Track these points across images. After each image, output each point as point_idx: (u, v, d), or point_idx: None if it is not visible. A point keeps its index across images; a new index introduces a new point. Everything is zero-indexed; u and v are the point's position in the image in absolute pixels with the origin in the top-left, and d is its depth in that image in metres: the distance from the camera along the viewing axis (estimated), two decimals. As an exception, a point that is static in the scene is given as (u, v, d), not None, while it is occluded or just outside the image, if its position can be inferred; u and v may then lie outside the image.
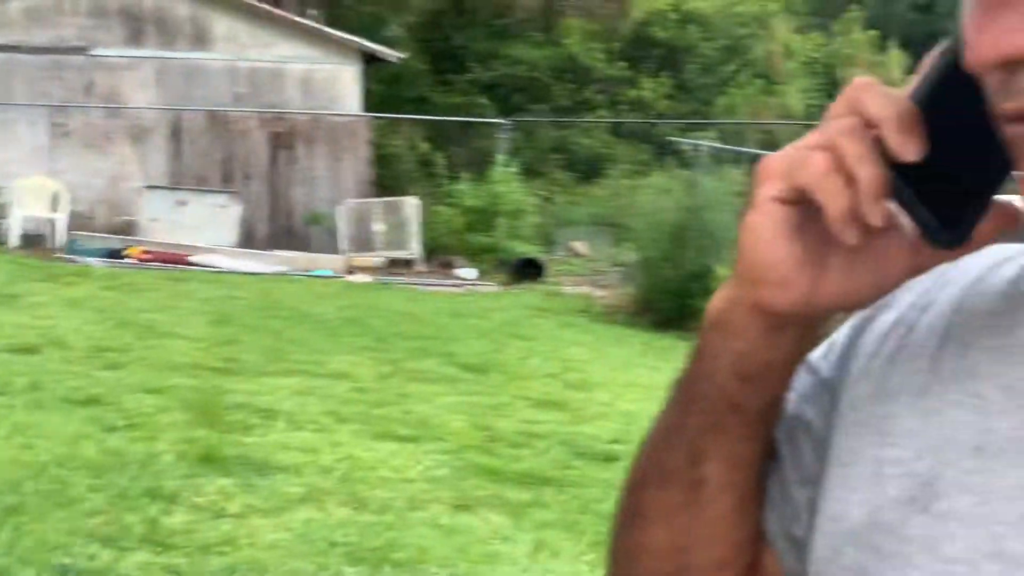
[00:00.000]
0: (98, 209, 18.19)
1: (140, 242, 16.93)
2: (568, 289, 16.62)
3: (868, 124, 0.76)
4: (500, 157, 19.87)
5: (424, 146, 22.07)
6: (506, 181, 18.78)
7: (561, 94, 25.90)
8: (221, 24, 19.01)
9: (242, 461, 6.68)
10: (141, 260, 16.06)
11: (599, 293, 16.13)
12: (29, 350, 9.19)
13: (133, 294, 12.92)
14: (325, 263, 17.42)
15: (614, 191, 21.17)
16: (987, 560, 0.75)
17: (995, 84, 0.73)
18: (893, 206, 0.78)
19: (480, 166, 20.31)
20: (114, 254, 16.32)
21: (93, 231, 17.47)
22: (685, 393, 0.89)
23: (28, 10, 18.14)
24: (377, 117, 20.79)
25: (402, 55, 22.60)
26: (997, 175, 0.77)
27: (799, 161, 0.78)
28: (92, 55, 18.38)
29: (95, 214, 18.11)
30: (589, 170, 23.87)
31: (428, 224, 18.64)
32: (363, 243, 18.08)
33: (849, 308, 0.86)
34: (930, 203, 0.77)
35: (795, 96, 24.21)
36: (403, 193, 19.43)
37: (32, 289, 12.33)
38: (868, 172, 0.76)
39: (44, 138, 18.10)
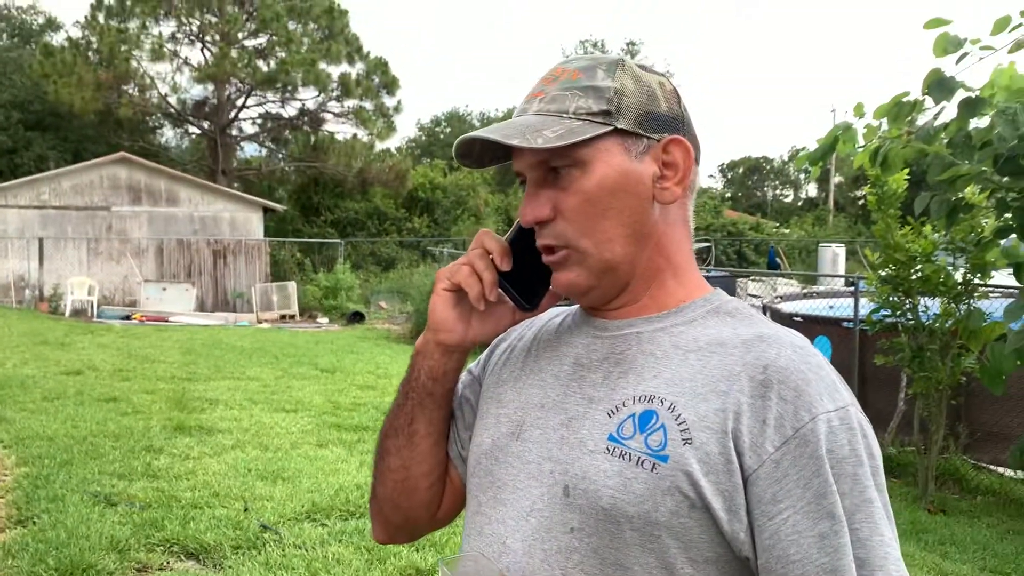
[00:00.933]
0: (116, 294, 19.07)
1: (140, 311, 17.52)
2: (378, 326, 16.75)
3: (486, 251, 0.97)
4: (339, 260, 21.04)
5: (298, 255, 22.71)
6: (343, 272, 19.47)
7: (372, 226, 26.59)
8: (184, 192, 20.18)
9: (199, 428, 6.65)
10: (141, 321, 16.64)
11: (395, 328, 15.90)
12: (76, 372, 9.24)
13: (137, 339, 13.07)
14: (244, 318, 18.00)
15: (401, 275, 20.97)
16: (546, 461, 0.93)
17: (537, 233, 0.94)
18: (502, 292, 0.99)
19: (329, 265, 21.42)
20: (126, 318, 16.98)
21: (113, 306, 18.36)
22: (404, 387, 1.06)
23: (74, 186, 19.29)
24: (271, 240, 21.42)
25: (285, 207, 24.78)
26: (548, 276, 0.96)
27: (455, 269, 0.98)
28: (112, 210, 19.48)
29: (114, 297, 19.00)
30: (388, 264, 24.40)
31: (301, 295, 19.28)
32: (266, 306, 18.67)
33: (484, 342, 1.06)
34: (519, 290, 0.99)
35: (491, 227, 22.35)
36: (287, 279, 20.26)
37: (78, 340, 12.56)
38: (487, 275, 0.96)
39: (84, 255, 19.05)
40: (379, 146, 27.93)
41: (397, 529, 1.13)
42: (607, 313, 0.99)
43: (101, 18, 25.50)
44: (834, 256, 20.37)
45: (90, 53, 25.71)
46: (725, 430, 0.85)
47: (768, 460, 0.83)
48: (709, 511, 0.84)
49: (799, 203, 53.11)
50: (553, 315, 1.08)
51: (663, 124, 0.95)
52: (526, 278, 0.99)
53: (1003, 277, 5.32)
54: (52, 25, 27.96)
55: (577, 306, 1.05)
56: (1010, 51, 2.93)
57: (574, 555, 0.88)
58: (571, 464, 0.91)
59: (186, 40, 26.55)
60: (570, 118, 0.91)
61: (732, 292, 15.82)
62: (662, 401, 0.88)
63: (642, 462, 0.86)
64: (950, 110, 3.23)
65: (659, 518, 0.85)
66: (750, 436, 0.84)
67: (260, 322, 17.95)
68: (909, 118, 3.41)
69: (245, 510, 4.67)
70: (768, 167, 58.37)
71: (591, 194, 0.91)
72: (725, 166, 60.65)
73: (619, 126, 0.92)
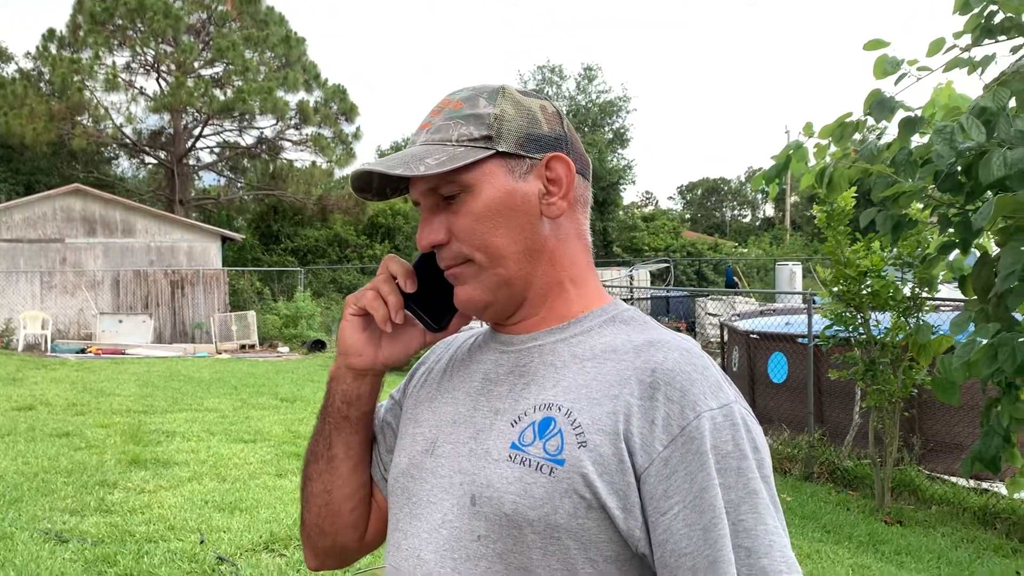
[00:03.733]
0: (71, 327, 18.80)
1: (96, 344, 17.42)
2: (339, 354, 17.42)
3: (392, 276, 1.01)
4: (299, 288, 20.99)
5: (258, 284, 22.75)
6: (303, 300, 19.61)
7: (332, 253, 26.76)
8: (140, 222, 19.91)
9: (155, 461, 6.61)
10: (97, 354, 16.50)
11: (356, 356, 16.51)
12: (28, 408, 9.14)
13: (92, 373, 12.94)
14: (203, 349, 17.95)
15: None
16: (457, 474, 0.95)
17: (437, 257, 0.98)
18: (410, 314, 1.01)
19: (289, 294, 21.47)
20: (81, 351, 16.83)
21: (68, 339, 18.12)
22: (322, 413, 1.08)
23: (26, 219, 18.94)
24: (230, 269, 21.16)
25: (243, 236, 24.64)
26: (453, 297, 0.99)
27: (361, 295, 1.01)
28: (66, 242, 19.12)
29: (69, 331, 18.72)
30: (349, 291, 23.39)
31: (261, 325, 19.23)
32: (225, 336, 18.62)
33: (395, 364, 1.05)
34: (427, 312, 1.02)
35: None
36: (247, 309, 20.17)
37: (30, 375, 12.40)
38: (392, 298, 1.00)
39: (38, 289, 18.74)
40: (339, 173, 27.70)
41: (326, 555, 1.14)
42: (511, 328, 1.02)
43: (53, 48, 25.28)
44: (791, 274, 20.66)
45: (42, 84, 25.54)
46: (617, 431, 0.88)
47: (657, 458, 0.87)
48: (605, 510, 0.87)
49: (757, 223, 53.96)
50: (468, 336, 1.11)
51: (545, 144, 0.99)
52: (434, 300, 1.01)
53: (950, 290, 5.46)
54: (2, 56, 27.36)
55: (488, 327, 1.08)
56: (944, 70, 2.99)
57: (481, 562, 0.90)
58: (477, 474, 0.94)
59: (141, 70, 26.25)
60: (453, 145, 0.95)
61: (692, 311, 16.02)
62: (560, 408, 0.92)
63: (541, 467, 0.89)
64: (893, 130, 3.31)
65: (559, 520, 0.88)
66: (640, 436, 0.87)
67: (219, 352, 17.90)
68: (854, 137, 3.46)
69: (201, 542, 4.62)
70: (726, 188, 59.35)
71: (480, 214, 0.95)
72: (684, 188, 61.61)
73: (500, 149, 0.96)
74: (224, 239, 21.35)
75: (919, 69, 3.14)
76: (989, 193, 2.93)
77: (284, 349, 18.32)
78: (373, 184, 1.00)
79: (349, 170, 28.36)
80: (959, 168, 3.11)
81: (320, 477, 1.08)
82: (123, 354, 16.75)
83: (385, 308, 1.00)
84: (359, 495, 1.10)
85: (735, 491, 0.86)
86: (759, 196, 51.36)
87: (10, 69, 26.74)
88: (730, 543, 0.85)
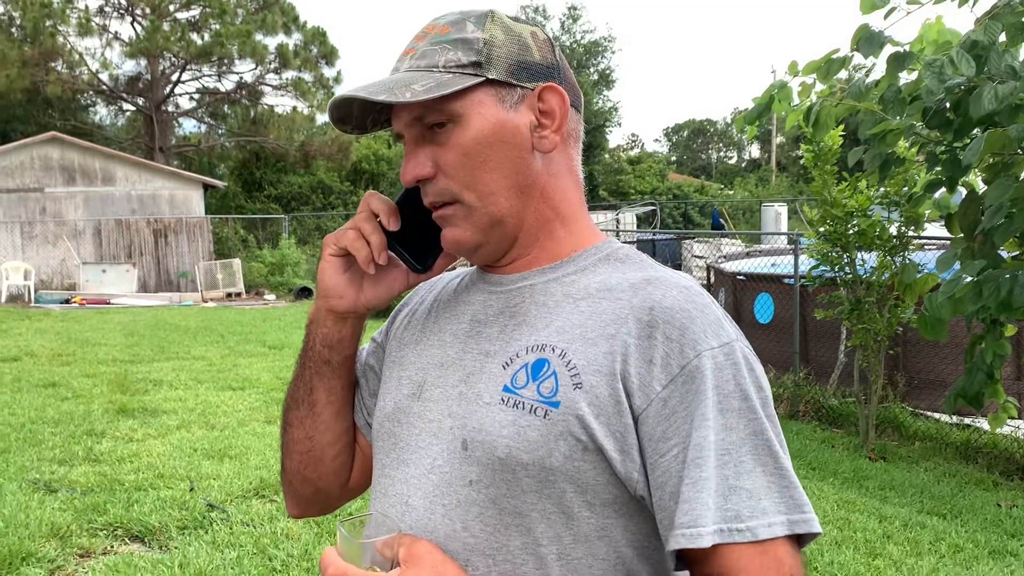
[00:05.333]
0: (54, 278, 18.72)
1: (80, 294, 17.21)
2: (326, 301, 17.39)
3: (373, 214, 0.97)
4: (284, 235, 21.04)
5: (242, 232, 22.58)
6: (288, 247, 19.64)
7: (316, 200, 26.52)
8: (120, 171, 19.70)
9: (142, 410, 6.59)
10: (81, 304, 16.35)
11: (343, 302, 16.48)
12: (13, 359, 9.09)
13: (76, 323, 12.91)
14: (189, 298, 17.90)
15: (348, 250, 21.61)
16: (446, 418, 0.93)
17: (422, 192, 0.94)
18: (393, 255, 0.97)
19: (274, 241, 21.44)
20: (65, 302, 16.68)
21: (52, 290, 17.99)
22: (301, 357, 1.06)
23: (3, 168, 18.62)
24: (214, 217, 21.08)
25: (226, 184, 24.17)
26: (438, 236, 0.95)
27: (341, 234, 0.97)
28: (45, 191, 18.96)
29: (52, 281, 18.65)
30: None
31: (246, 273, 19.17)
32: (211, 284, 18.49)
33: (377, 307, 1.02)
34: (410, 252, 0.97)
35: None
36: (232, 257, 20.05)
37: (14, 325, 12.32)
38: (375, 237, 0.96)
39: (18, 239, 18.59)
40: (320, 119, 27.18)
41: (308, 502, 1.12)
42: (501, 269, 0.99)
43: (23, -8, 24.81)
44: (776, 215, 20.70)
45: (13, 29, 24.88)
46: (614, 372, 0.85)
47: (656, 399, 0.84)
48: (602, 453, 0.85)
49: (743, 164, 54.00)
50: (453, 276, 1.09)
51: (537, 73, 0.94)
52: (418, 240, 0.97)
53: (936, 229, 5.48)
54: (-29, 2, 26.71)
55: (475, 266, 1.04)
56: (935, 2, 2.93)
57: (473, 507, 0.88)
58: (468, 418, 0.91)
59: (115, 13, 25.77)
60: (440, 71, 0.90)
61: (678, 253, 16.10)
62: (553, 349, 0.89)
63: (535, 410, 0.87)
64: (880, 67, 3.24)
65: (554, 463, 0.85)
66: (638, 376, 0.85)
67: (205, 301, 17.89)
68: (840, 75, 3.40)
69: (191, 490, 4.64)
70: (712, 129, 59.25)
71: (469, 147, 0.90)
72: (670, 130, 61.42)
73: (490, 76, 0.91)
74: (206, 187, 21.15)
75: (909, 2, 3.08)
76: (977, 130, 2.92)
77: (271, 297, 18.37)
78: (354, 114, 0.95)
79: (331, 115, 28.75)
80: (947, 104, 3.08)
81: (301, 424, 1.06)
82: (108, 304, 16.72)
83: (367, 248, 0.96)
84: (342, 441, 1.08)
85: (737, 432, 0.84)
86: (745, 138, 51.24)
87: (-21, 14, 26.13)
88: (715, 484, 0.82)
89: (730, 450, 0.83)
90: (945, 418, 6.39)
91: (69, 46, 24.81)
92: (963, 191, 3.17)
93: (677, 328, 0.85)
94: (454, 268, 1.09)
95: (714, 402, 0.83)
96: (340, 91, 0.92)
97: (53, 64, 24.38)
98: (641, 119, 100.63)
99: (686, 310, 0.87)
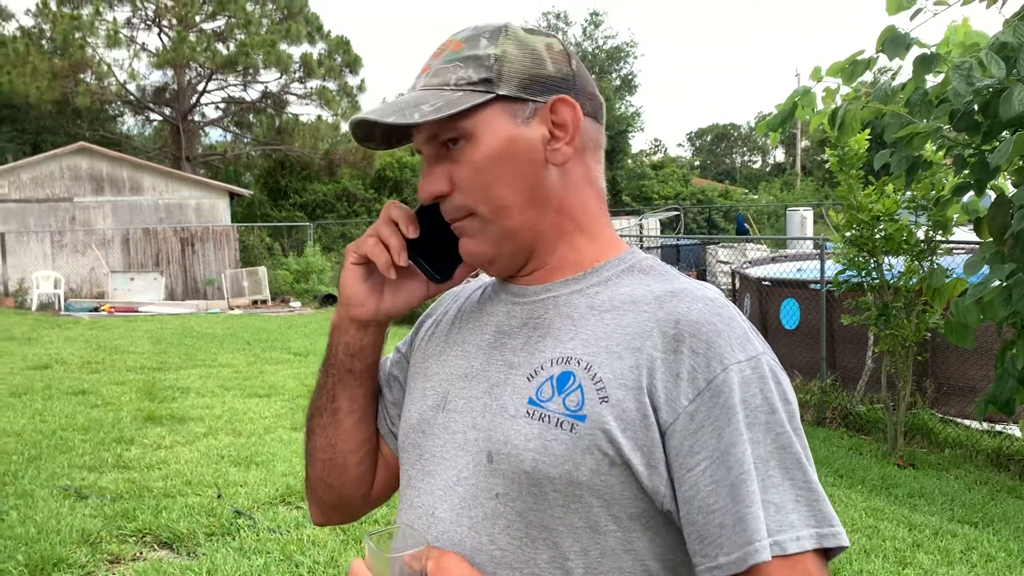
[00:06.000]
0: (84, 286, 18.81)
1: (109, 302, 17.45)
2: (350, 308, 17.47)
3: (393, 222, 0.97)
4: (309, 243, 21.23)
5: (268, 239, 22.73)
6: (313, 255, 19.71)
7: (341, 208, 26.70)
8: (148, 180, 19.83)
9: (170, 417, 6.65)
10: (110, 312, 16.57)
11: (367, 309, 16.54)
12: (43, 367, 9.20)
13: (106, 331, 13.00)
14: (216, 305, 18.05)
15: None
16: (471, 430, 0.93)
17: (441, 208, 0.95)
18: (413, 264, 0.98)
19: (299, 248, 21.61)
20: (94, 310, 16.86)
21: (81, 298, 18.19)
22: (324, 366, 1.06)
23: (33, 178, 18.83)
24: (240, 225, 21.14)
25: (252, 192, 23.95)
26: (457, 246, 0.96)
27: (361, 242, 0.98)
28: (74, 201, 19.10)
29: (81, 289, 18.74)
30: None
31: (272, 280, 19.26)
32: (237, 292, 18.65)
33: (398, 315, 1.03)
34: (430, 262, 0.98)
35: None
36: (258, 264, 20.18)
37: (45, 334, 12.45)
38: (393, 241, 0.96)
39: (49, 248, 18.73)
40: (344, 127, 26.23)
41: (332, 509, 1.13)
42: (522, 280, 0.99)
43: (53, 5, 24.92)
44: (802, 220, 20.52)
45: (44, 42, 25.29)
46: (640, 386, 0.85)
47: (683, 413, 0.84)
48: (629, 467, 0.85)
49: (767, 169, 53.57)
50: (476, 287, 1.08)
51: (550, 86, 0.94)
52: (438, 250, 0.98)
53: (964, 233, 5.40)
54: (2, 14, 27.09)
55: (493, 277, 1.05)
56: (963, 3, 2.90)
57: (500, 520, 0.88)
58: (493, 430, 0.91)
59: (142, 25, 26.18)
60: (451, 90, 0.91)
61: (703, 259, 15.99)
62: (579, 362, 0.88)
63: (561, 423, 0.86)
64: (908, 70, 3.20)
65: (580, 477, 0.85)
66: (665, 390, 0.84)
67: (232, 308, 18.02)
68: (865, 77, 3.37)
69: (218, 496, 4.67)
70: (736, 134, 58.82)
71: (480, 164, 0.91)
72: (693, 134, 61.03)
73: (501, 92, 0.91)
74: (232, 195, 21.35)
75: (936, 3, 3.04)
76: (1006, 133, 2.87)
77: (296, 304, 18.40)
78: (376, 133, 0.96)
79: (354, 123, 28.92)
80: (976, 107, 3.03)
81: (324, 431, 1.07)
82: (136, 312, 16.88)
83: (387, 254, 0.96)
84: (365, 449, 1.09)
85: (764, 446, 0.83)
86: (768, 142, 50.63)
87: (11, 27, 26.54)
88: (759, 499, 0.82)
89: (758, 464, 0.83)
90: (975, 425, 6.31)
91: (98, 58, 25.08)
92: (992, 194, 3.12)
93: (703, 342, 0.85)
94: (477, 275, 1.06)
95: (741, 416, 0.83)
96: (358, 114, 0.93)
97: (82, 75, 24.68)
98: (664, 124, 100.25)
99: (712, 323, 0.86)
